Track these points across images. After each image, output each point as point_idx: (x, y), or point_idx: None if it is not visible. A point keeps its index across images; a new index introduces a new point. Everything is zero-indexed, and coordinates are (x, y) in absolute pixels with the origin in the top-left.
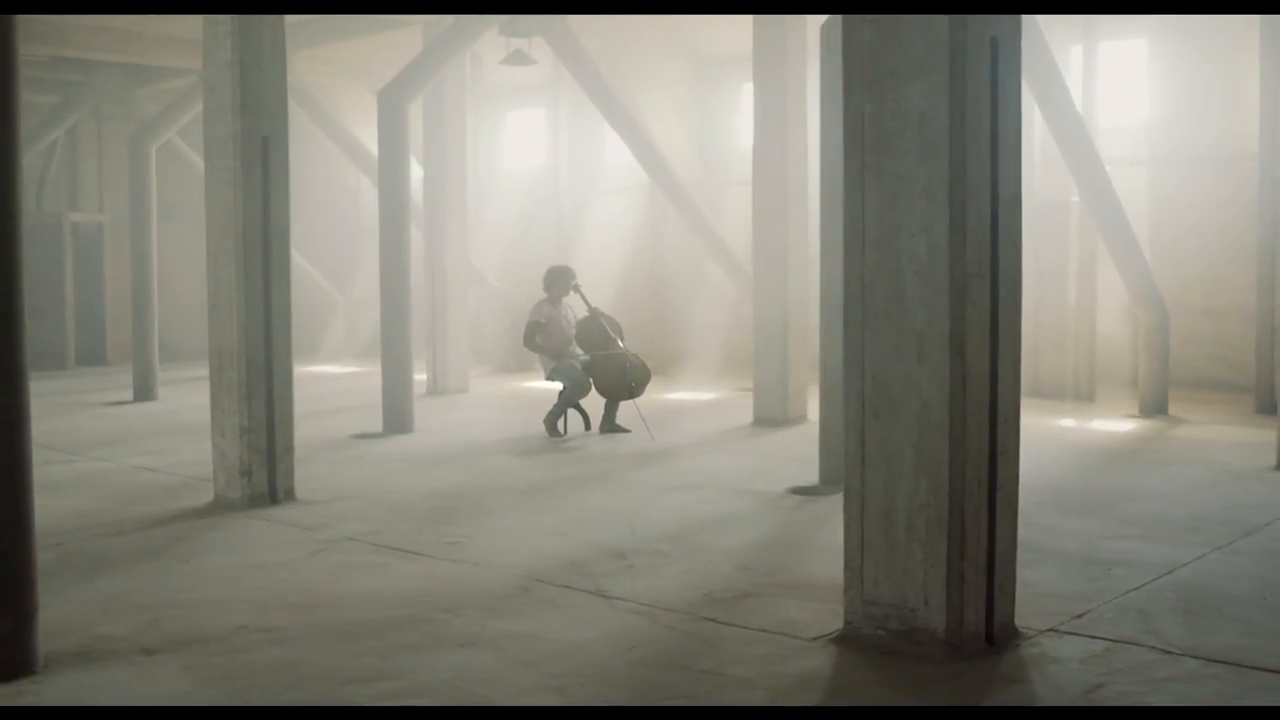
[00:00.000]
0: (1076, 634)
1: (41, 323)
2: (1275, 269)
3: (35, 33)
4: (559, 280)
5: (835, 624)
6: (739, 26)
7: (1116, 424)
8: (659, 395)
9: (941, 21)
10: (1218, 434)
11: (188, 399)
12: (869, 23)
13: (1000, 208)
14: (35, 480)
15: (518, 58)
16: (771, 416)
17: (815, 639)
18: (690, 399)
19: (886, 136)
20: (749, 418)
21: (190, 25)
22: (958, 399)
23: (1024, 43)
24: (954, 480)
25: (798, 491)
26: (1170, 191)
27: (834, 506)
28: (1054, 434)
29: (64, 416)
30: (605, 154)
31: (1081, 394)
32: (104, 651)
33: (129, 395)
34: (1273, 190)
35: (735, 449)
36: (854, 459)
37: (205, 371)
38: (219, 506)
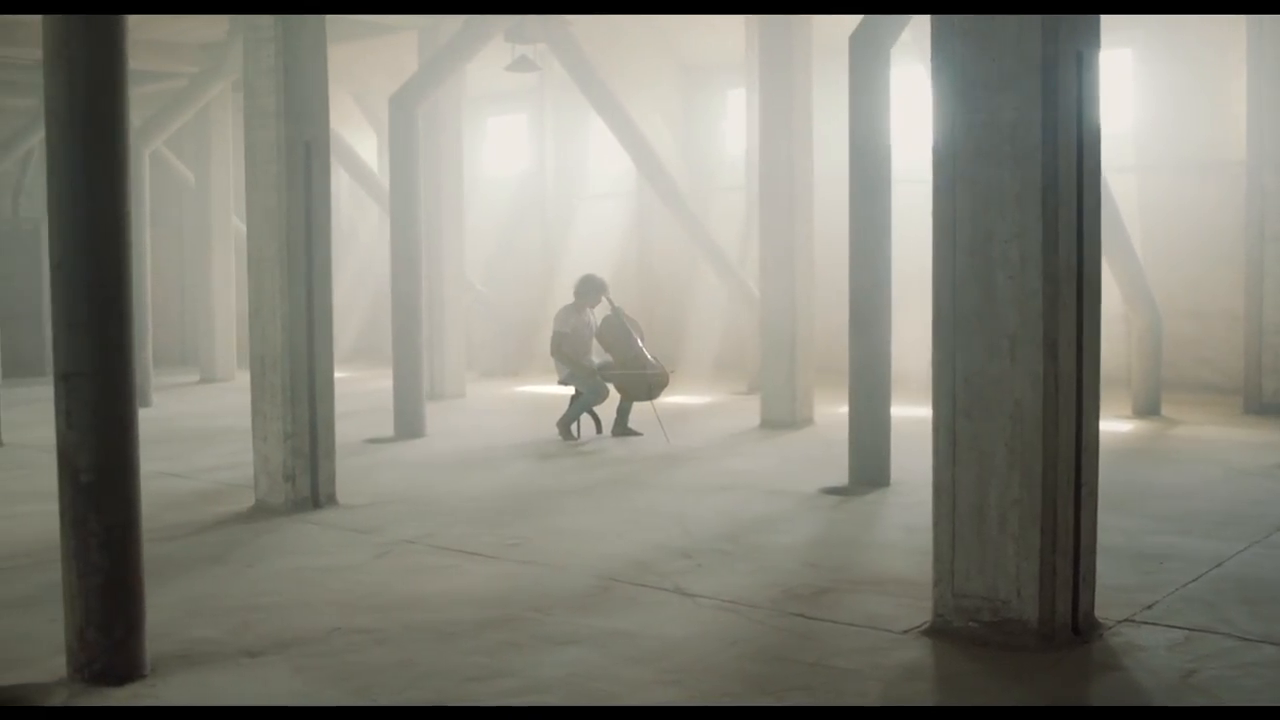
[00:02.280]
0: (1152, 624)
1: (20, 330)
2: (1263, 274)
3: (18, 35)
4: (591, 291)
5: (919, 617)
6: (726, 33)
7: (1114, 424)
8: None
9: (1034, 36)
10: (1215, 434)
11: (181, 405)
12: (960, 37)
13: (1084, 214)
14: (55, 489)
15: (523, 64)
16: (779, 419)
17: (905, 632)
18: (688, 403)
19: (979, 146)
20: (755, 421)
21: (178, 29)
22: (1050, 398)
23: None
24: (1046, 476)
25: (830, 492)
26: (1157, 197)
27: (872, 505)
28: None
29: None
30: (590, 160)
31: None
32: (205, 654)
33: None
34: (1260, 196)
35: (751, 451)
36: (944, 457)
37: (192, 377)
38: (262, 511)
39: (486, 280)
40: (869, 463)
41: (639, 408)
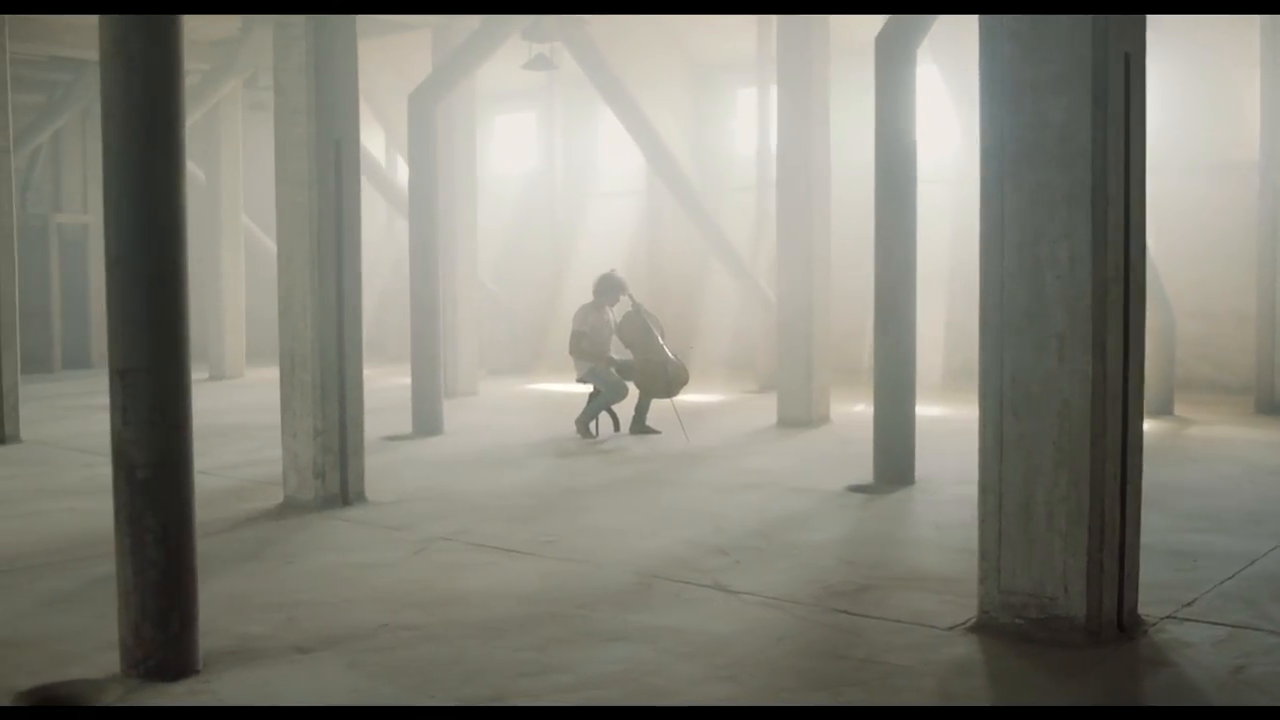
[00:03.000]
0: (1195, 620)
1: (28, 327)
2: (1275, 274)
3: (29, 31)
4: (611, 290)
5: (963, 614)
6: (737, 32)
7: None
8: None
9: (1084, 39)
10: (1230, 433)
11: (194, 403)
12: (1009, 39)
13: (1131, 215)
14: (85, 484)
15: (540, 62)
16: (795, 418)
17: (951, 628)
18: (701, 401)
19: (1027, 147)
20: (771, 419)
21: (189, 25)
22: (1098, 397)
23: None
24: (1094, 474)
25: (856, 489)
26: (1166, 198)
27: (899, 503)
28: None
29: (76, 420)
30: (599, 158)
31: None
32: (256, 650)
33: None
34: (1273, 197)
35: (771, 450)
36: (991, 455)
37: (201, 374)
38: (292, 508)
39: (495, 278)
40: (893, 461)
41: (655, 406)
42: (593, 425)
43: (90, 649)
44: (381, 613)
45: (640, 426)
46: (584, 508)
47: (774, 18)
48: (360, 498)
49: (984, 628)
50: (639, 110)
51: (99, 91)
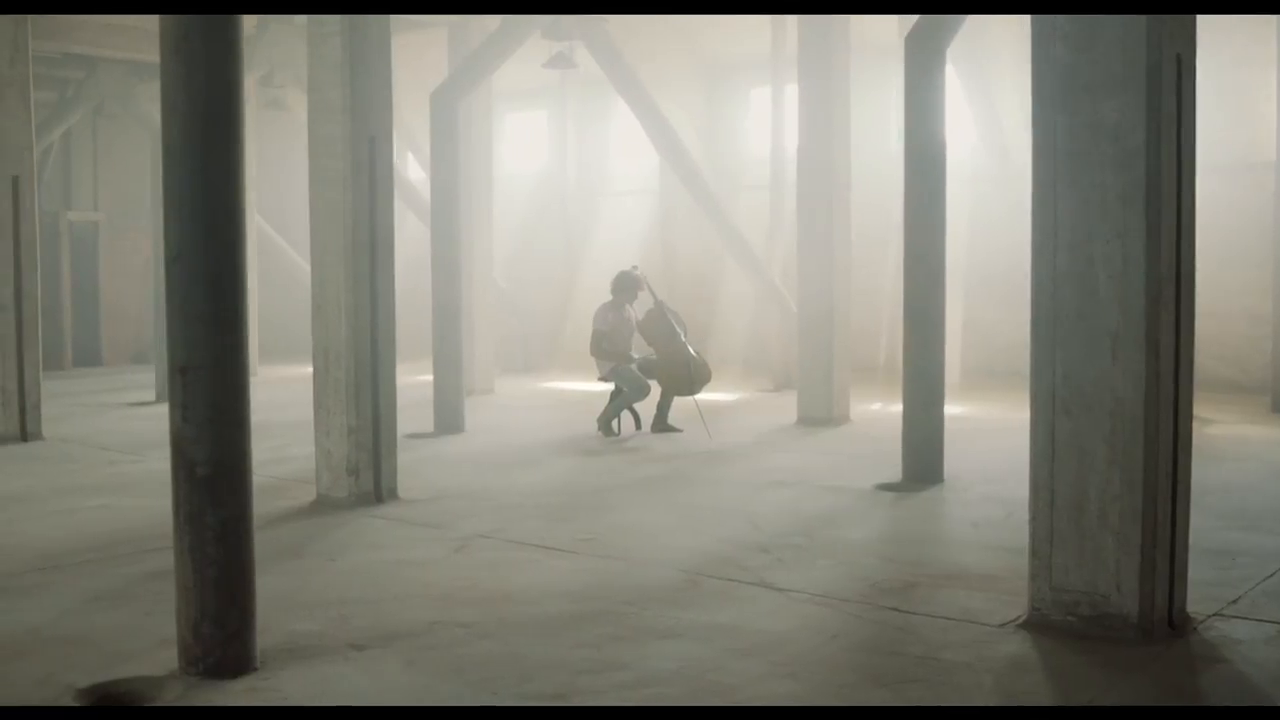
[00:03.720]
0: (1242, 618)
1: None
2: None
3: (42, 29)
4: (628, 287)
5: (1011, 611)
6: (751, 31)
7: None
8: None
9: (1138, 41)
10: (1248, 432)
11: None
12: (1061, 40)
13: (1182, 215)
14: (113, 481)
15: (560, 61)
16: (816, 416)
17: (1002, 625)
18: (717, 400)
19: (1080, 148)
20: (790, 418)
21: None
22: (1152, 395)
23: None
24: (1148, 473)
25: (885, 488)
26: None
27: (930, 502)
28: None
29: (96, 418)
30: (611, 157)
31: None
32: (311, 648)
33: (145, 396)
34: None
35: (794, 448)
36: (1043, 454)
37: None
38: (326, 506)
39: (507, 277)
40: (922, 459)
41: (675, 404)
42: (615, 423)
43: (143, 647)
44: (432, 610)
45: (662, 425)
46: (616, 506)
47: (788, 18)
48: (393, 495)
49: (1035, 625)
50: (656, 109)
51: (110, 90)
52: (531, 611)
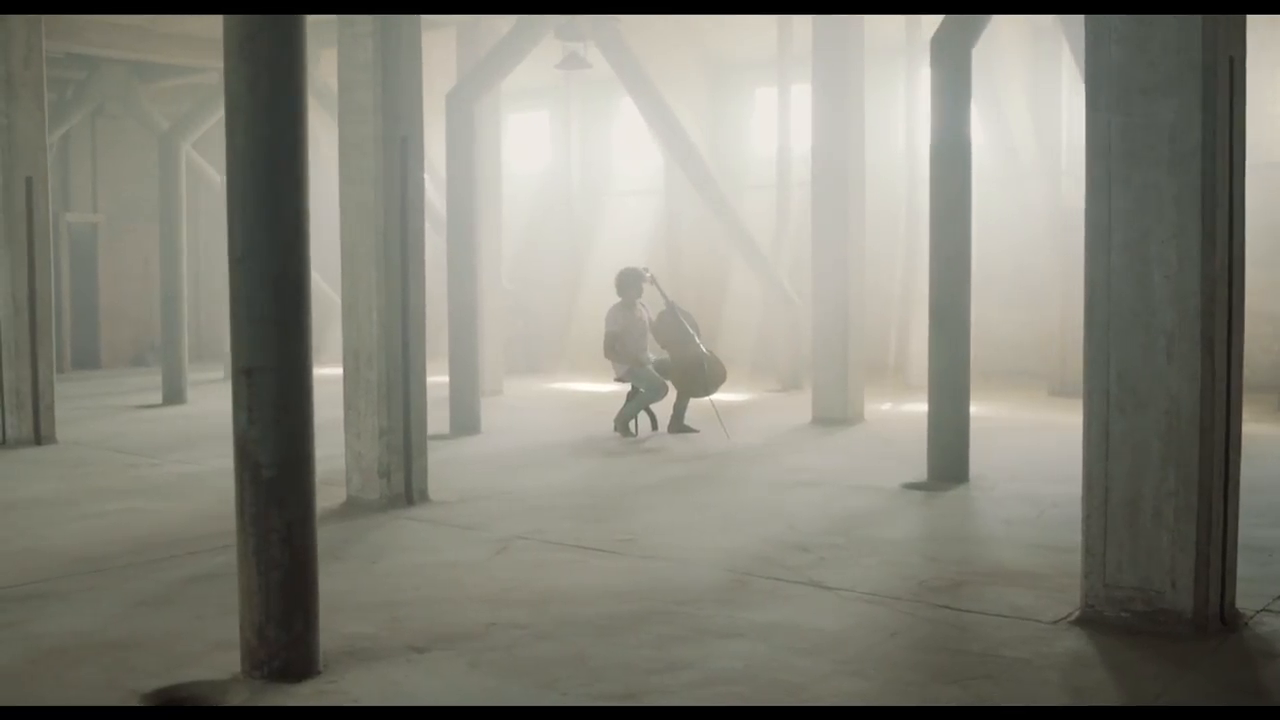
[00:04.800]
0: None
1: None
2: None
3: (46, 29)
4: (632, 283)
5: (1061, 608)
6: (757, 31)
7: None
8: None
9: (1194, 43)
10: (1256, 430)
11: (219, 402)
12: (1117, 42)
13: (1234, 215)
14: (135, 485)
15: (573, 61)
16: (831, 416)
17: (1055, 622)
18: (727, 400)
19: (1135, 148)
20: (803, 417)
21: (210, 23)
22: (1207, 393)
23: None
24: (1202, 470)
25: (912, 487)
26: None
27: (960, 501)
28: None
29: (105, 420)
30: (616, 157)
31: None
32: (369, 650)
33: (153, 398)
34: None
35: (813, 447)
36: (1096, 452)
37: (215, 374)
38: (357, 508)
39: (512, 278)
40: (948, 459)
41: (692, 405)
42: (632, 424)
43: (199, 650)
44: (485, 612)
45: (679, 425)
46: (647, 506)
47: (795, 17)
48: (423, 497)
49: (1088, 621)
50: (668, 109)
51: (111, 91)
52: (585, 612)
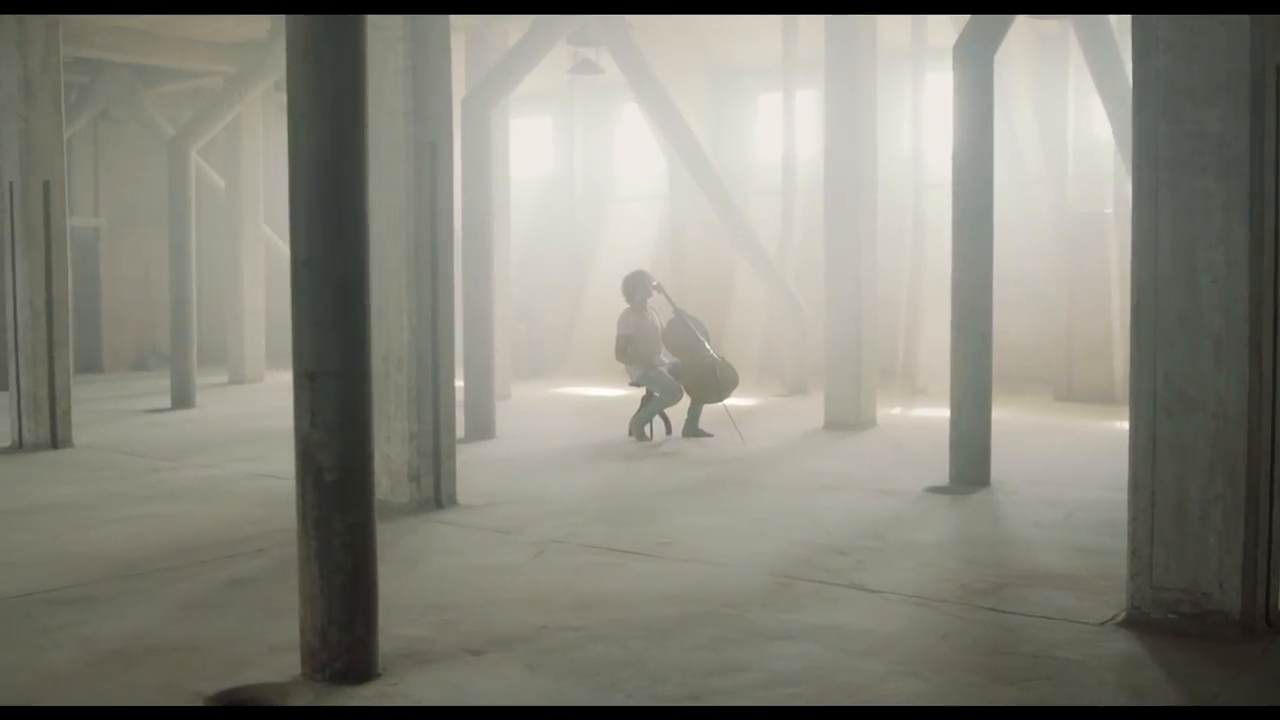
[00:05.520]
0: None
1: None
2: None
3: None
4: (639, 286)
5: (1103, 610)
6: (760, 36)
7: None
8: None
9: (1242, 52)
10: None
11: (225, 406)
12: (1165, 51)
13: None
14: (160, 489)
15: (585, 66)
16: (844, 421)
17: (1102, 624)
18: (735, 405)
19: (1182, 155)
20: (814, 422)
21: (214, 27)
22: (1254, 397)
23: (1095, 52)
24: (1250, 473)
25: (936, 491)
26: None
27: (986, 504)
28: (1121, 436)
29: (117, 424)
30: (619, 163)
31: (1114, 398)
32: (425, 653)
33: (160, 402)
34: None
35: (829, 452)
36: (1143, 455)
37: (220, 378)
38: (387, 511)
39: (516, 283)
40: (970, 462)
41: (705, 409)
42: (647, 428)
43: (255, 653)
44: (534, 614)
45: (693, 429)
46: (674, 510)
47: (800, 23)
48: (452, 501)
49: (1135, 623)
50: (679, 114)
51: (115, 94)
52: (633, 615)
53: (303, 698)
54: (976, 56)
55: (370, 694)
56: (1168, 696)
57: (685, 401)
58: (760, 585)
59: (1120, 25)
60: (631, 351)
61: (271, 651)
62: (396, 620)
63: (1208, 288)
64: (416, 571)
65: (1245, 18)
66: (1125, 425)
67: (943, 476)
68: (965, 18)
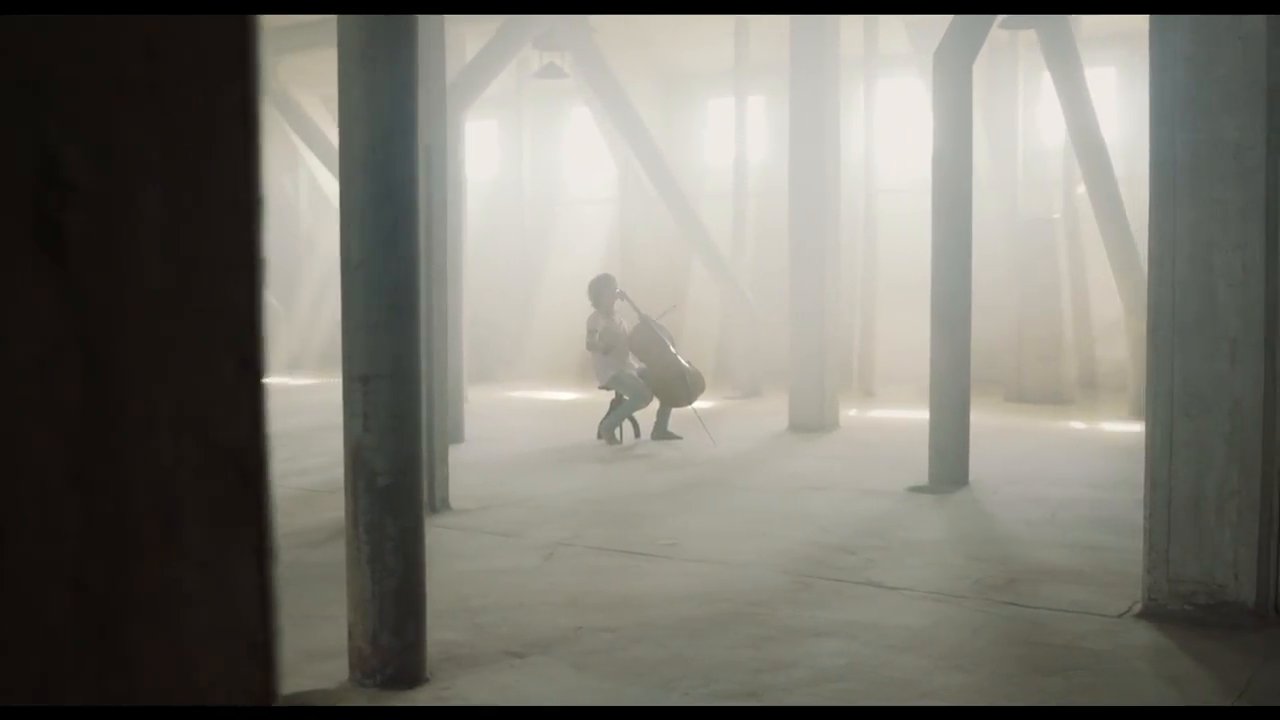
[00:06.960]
0: None
1: None
2: None
3: None
4: (604, 290)
5: (1118, 602)
6: (711, 42)
7: (1125, 425)
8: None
9: (1259, 64)
10: None
11: None
12: (1184, 63)
13: None
14: None
15: (551, 70)
16: (807, 423)
17: (1120, 615)
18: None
19: (1200, 163)
20: (779, 424)
21: None
22: (1270, 397)
23: (1057, 60)
24: (1265, 469)
25: (918, 490)
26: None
27: (970, 503)
28: (1082, 436)
29: None
30: (567, 166)
31: (1064, 399)
32: (468, 657)
33: None
34: None
35: (800, 453)
36: (1161, 452)
37: None
38: None
39: (466, 286)
40: (949, 462)
41: (673, 412)
42: (617, 431)
43: (294, 659)
44: (565, 617)
45: (663, 432)
46: (665, 511)
47: (751, 28)
48: (445, 505)
49: (1152, 614)
50: (636, 117)
51: None
52: (664, 615)
53: (359, 702)
54: (956, 65)
55: (425, 697)
56: (1203, 682)
57: (654, 404)
58: (779, 584)
59: (1077, 27)
60: (599, 340)
61: (308, 658)
62: (429, 624)
63: (1225, 291)
64: (431, 575)
65: (1262, 32)
66: (1081, 425)
67: (920, 476)
68: (919, 22)
